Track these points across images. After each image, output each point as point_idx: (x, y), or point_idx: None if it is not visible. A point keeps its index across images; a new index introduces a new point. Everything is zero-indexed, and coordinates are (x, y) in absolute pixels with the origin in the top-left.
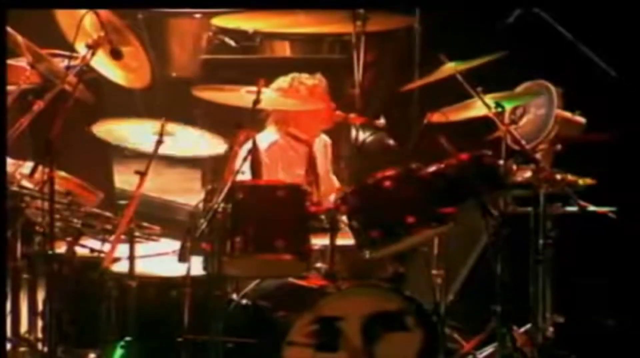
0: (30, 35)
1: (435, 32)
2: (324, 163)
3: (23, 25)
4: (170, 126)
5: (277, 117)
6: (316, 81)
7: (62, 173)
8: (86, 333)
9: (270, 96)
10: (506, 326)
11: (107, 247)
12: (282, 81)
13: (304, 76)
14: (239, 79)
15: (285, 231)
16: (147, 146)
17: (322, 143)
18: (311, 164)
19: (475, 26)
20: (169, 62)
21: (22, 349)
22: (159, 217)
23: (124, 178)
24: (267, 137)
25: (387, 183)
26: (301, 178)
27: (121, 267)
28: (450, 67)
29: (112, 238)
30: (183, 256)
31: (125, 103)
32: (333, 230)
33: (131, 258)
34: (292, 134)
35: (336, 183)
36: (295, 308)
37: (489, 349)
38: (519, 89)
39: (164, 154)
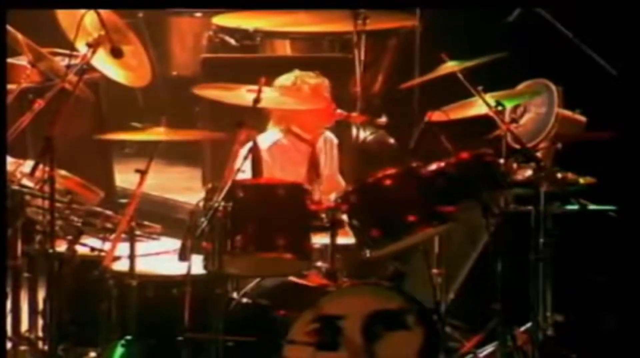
0: (31, 34)
1: (436, 32)
2: (329, 162)
3: (23, 24)
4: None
5: (278, 116)
6: (319, 79)
7: (63, 172)
8: (87, 331)
9: (272, 94)
10: (507, 325)
11: (107, 246)
12: (285, 79)
13: (308, 74)
14: (239, 78)
15: (286, 229)
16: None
17: (328, 143)
18: (314, 163)
19: (475, 26)
20: (169, 61)
21: (22, 348)
22: (159, 216)
23: (124, 177)
24: (269, 136)
25: (388, 182)
26: (303, 178)
27: (122, 266)
28: (451, 66)
29: (113, 236)
30: (183, 255)
31: (126, 102)
32: (333, 228)
33: (132, 256)
34: (295, 133)
35: (342, 183)
36: (296, 306)
37: (489, 348)
38: (520, 87)
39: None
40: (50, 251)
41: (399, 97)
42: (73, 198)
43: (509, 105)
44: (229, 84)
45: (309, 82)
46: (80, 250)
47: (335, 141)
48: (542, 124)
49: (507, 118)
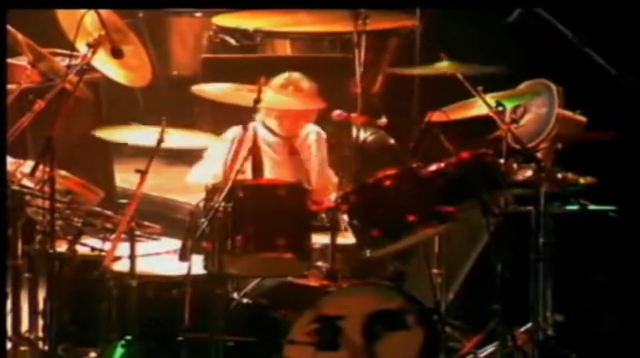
0: (31, 34)
1: (436, 32)
2: (317, 156)
3: (23, 24)
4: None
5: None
6: (308, 82)
7: (63, 172)
8: (87, 332)
9: (270, 95)
10: (507, 325)
11: (107, 246)
12: (278, 79)
13: (298, 77)
14: (239, 78)
15: (286, 229)
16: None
17: (313, 136)
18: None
19: (475, 26)
20: (169, 61)
21: (22, 348)
22: (159, 216)
23: (124, 177)
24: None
25: (388, 182)
26: (284, 173)
27: (122, 266)
28: (450, 67)
29: (113, 236)
30: (184, 255)
31: (126, 102)
32: (334, 228)
33: (132, 257)
34: (267, 126)
35: (333, 177)
36: (296, 306)
37: (489, 348)
38: (520, 87)
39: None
40: (51, 251)
41: (399, 97)
42: (73, 198)
43: (509, 105)
44: (229, 84)
45: (301, 85)
46: (81, 250)
47: (324, 134)
48: (543, 124)
49: (507, 118)
